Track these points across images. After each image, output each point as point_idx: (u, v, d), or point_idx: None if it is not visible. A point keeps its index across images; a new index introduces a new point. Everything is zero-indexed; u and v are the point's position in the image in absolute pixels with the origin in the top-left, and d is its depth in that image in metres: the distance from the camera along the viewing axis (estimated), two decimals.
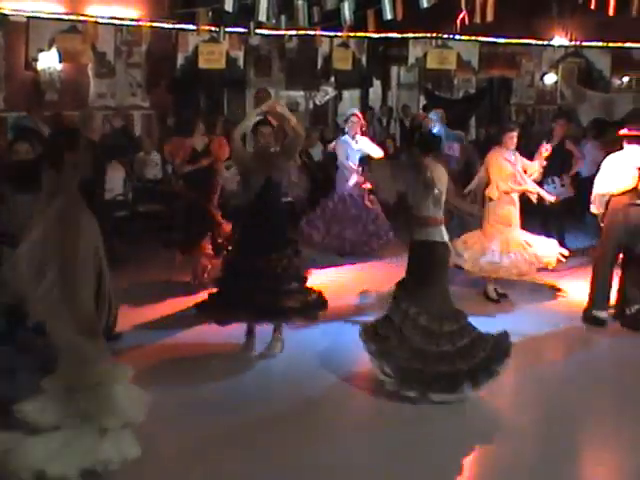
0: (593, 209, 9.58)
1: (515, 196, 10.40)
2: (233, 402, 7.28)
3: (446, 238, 7.55)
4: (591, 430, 7.10)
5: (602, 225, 9.56)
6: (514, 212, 10.41)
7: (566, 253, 10.59)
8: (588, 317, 9.56)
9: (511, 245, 10.30)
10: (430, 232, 7.45)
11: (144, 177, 14.25)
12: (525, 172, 10.48)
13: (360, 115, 12.80)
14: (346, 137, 12.67)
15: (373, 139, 13.76)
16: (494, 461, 6.42)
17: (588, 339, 9.36)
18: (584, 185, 11.74)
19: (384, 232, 12.77)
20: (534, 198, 10.82)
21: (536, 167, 10.65)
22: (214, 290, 8.45)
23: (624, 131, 9.52)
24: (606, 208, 9.41)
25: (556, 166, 11.81)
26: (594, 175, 11.35)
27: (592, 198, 9.52)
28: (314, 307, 8.38)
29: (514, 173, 10.30)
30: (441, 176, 7.53)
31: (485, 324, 7.82)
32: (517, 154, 10.47)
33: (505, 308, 10.29)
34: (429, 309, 7.37)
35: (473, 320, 7.58)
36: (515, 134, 10.41)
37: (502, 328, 7.65)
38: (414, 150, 7.80)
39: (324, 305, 8.43)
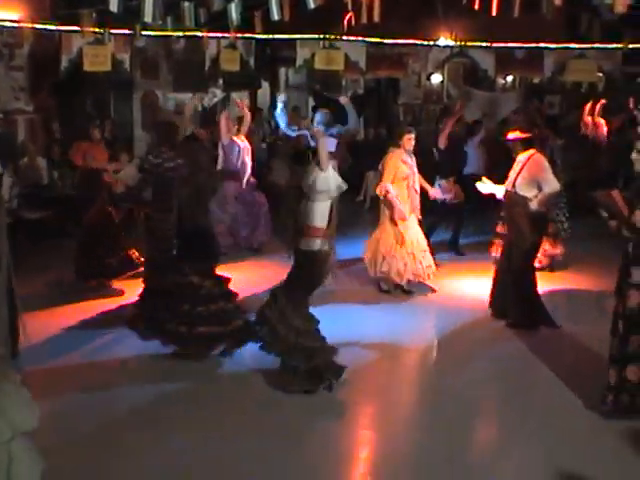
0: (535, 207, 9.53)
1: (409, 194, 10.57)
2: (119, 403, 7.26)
3: (325, 247, 7.47)
4: (493, 423, 7.21)
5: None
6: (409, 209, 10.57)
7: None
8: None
9: (407, 247, 10.49)
10: (310, 242, 7.41)
11: (29, 183, 13.92)
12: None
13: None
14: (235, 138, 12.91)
15: (263, 140, 14.03)
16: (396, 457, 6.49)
17: (491, 337, 9.50)
18: (467, 182, 11.98)
19: (268, 228, 13.23)
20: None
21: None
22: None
23: (515, 134, 9.64)
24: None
25: (447, 168, 12.01)
26: (475, 173, 11.59)
27: (545, 198, 9.45)
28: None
29: (409, 175, 10.44)
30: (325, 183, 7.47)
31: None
32: (412, 157, 10.63)
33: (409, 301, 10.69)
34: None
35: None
36: (413, 135, 10.57)
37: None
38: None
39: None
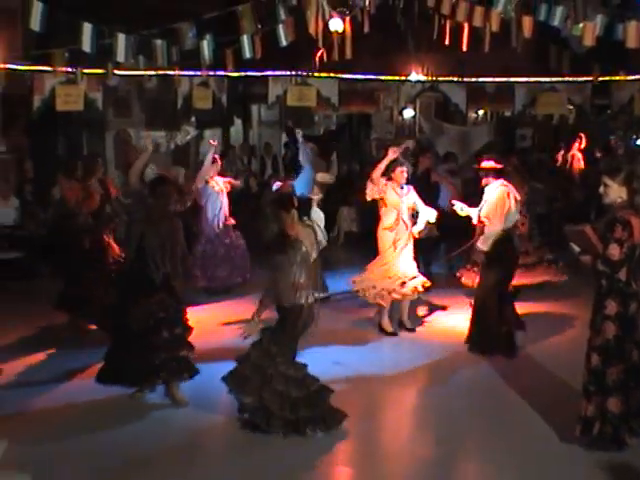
0: (483, 247, 9.69)
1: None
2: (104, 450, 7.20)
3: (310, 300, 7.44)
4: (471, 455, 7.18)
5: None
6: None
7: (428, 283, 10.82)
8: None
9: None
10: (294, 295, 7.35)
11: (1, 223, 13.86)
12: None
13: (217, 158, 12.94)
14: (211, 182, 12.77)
15: (235, 177, 14.03)
16: None
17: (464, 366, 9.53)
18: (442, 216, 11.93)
19: (246, 268, 13.03)
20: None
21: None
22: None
23: (489, 163, 9.75)
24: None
25: (422, 199, 11.95)
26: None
27: (487, 235, 9.67)
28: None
29: (398, 204, 10.53)
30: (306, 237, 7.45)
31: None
32: (411, 189, 10.69)
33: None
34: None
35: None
36: (405, 169, 10.67)
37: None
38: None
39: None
